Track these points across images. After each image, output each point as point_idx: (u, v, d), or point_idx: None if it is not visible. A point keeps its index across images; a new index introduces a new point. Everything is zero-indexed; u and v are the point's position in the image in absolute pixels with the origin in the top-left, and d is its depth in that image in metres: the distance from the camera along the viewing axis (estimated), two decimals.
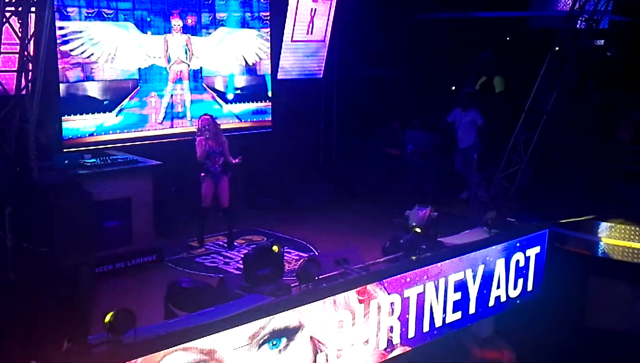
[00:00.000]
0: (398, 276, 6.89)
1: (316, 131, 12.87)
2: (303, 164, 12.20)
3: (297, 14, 11.69)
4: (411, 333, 7.09)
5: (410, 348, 7.09)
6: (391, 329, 6.87)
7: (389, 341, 6.88)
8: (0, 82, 5.58)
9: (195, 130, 9.56)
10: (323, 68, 12.48)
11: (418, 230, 7.49)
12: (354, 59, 12.89)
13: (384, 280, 6.75)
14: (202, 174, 9.37)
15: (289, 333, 6.01)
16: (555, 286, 8.57)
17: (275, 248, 6.60)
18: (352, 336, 6.51)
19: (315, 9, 11.89)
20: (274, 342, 5.90)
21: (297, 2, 11.59)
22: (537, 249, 8.47)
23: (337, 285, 6.52)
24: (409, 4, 13.04)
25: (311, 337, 6.18)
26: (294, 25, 11.73)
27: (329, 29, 12.19)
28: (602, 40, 12.73)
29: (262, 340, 5.81)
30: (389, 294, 6.78)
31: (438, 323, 7.37)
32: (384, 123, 12.54)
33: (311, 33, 12.04)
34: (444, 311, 7.43)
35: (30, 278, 5.00)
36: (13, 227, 5.02)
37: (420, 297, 7.13)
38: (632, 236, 8.93)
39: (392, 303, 6.83)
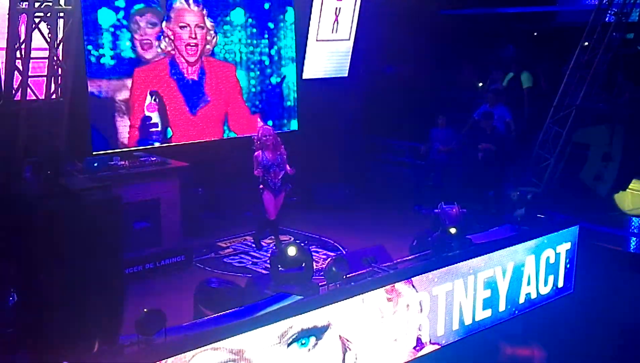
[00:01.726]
0: (426, 274, 6.87)
1: (342, 129, 12.86)
2: (329, 162, 12.21)
3: (322, 13, 11.69)
4: (440, 332, 7.06)
5: (439, 346, 7.06)
6: (420, 327, 6.85)
7: (418, 339, 6.86)
8: (31, 87, 5.65)
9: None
10: (349, 67, 12.46)
11: (453, 230, 7.43)
12: (379, 56, 12.87)
13: (412, 278, 6.73)
14: (261, 186, 9.04)
15: (318, 332, 6.02)
16: (587, 283, 8.46)
17: (291, 250, 6.50)
18: (381, 334, 6.50)
19: (340, 8, 11.88)
20: (303, 341, 5.91)
21: (322, 1, 11.59)
22: (567, 245, 8.37)
23: (365, 284, 6.51)
24: (433, 0, 12.97)
25: (340, 336, 6.18)
26: (318, 25, 11.74)
27: (354, 27, 12.17)
28: (632, 34, 12.53)
29: (290, 339, 5.82)
30: (417, 292, 6.76)
31: (467, 321, 7.33)
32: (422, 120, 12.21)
33: (336, 32, 12.03)
34: (474, 309, 7.38)
35: (61, 280, 5.06)
36: (44, 230, 5.08)
37: (449, 295, 7.09)
38: None
39: (420, 302, 6.81)
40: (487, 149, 10.38)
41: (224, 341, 5.42)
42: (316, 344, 6.01)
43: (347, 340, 6.22)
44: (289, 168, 9.07)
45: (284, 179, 9.06)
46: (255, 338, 5.59)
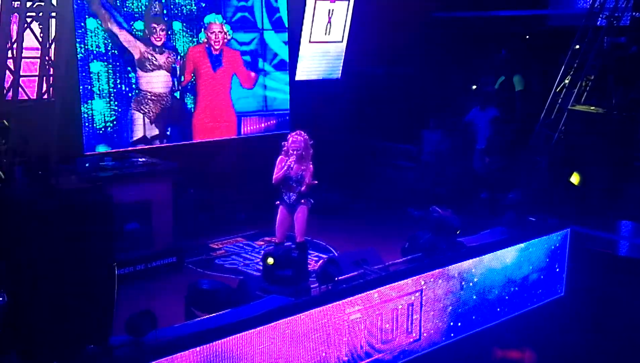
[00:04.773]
0: (418, 276, 6.87)
1: (334, 131, 12.84)
2: (321, 165, 12.16)
3: (315, 15, 11.70)
4: (431, 334, 7.07)
5: (430, 350, 7.06)
6: (411, 329, 6.85)
7: (409, 341, 6.86)
8: (23, 87, 5.63)
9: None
10: (341, 68, 12.47)
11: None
12: (372, 58, 12.86)
13: (404, 280, 6.74)
14: (277, 202, 8.21)
15: None
16: (577, 286, 8.49)
17: (269, 260, 6.52)
18: (372, 335, 6.51)
19: (333, 10, 11.89)
20: None
21: (315, 3, 11.59)
22: (558, 248, 8.40)
23: (356, 286, 6.51)
24: (426, 3, 12.99)
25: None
26: (311, 27, 11.75)
27: (347, 29, 12.18)
28: (624, 38, 12.59)
29: None
30: (409, 294, 6.76)
31: (459, 323, 7.34)
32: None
33: (329, 34, 12.04)
34: (465, 312, 7.40)
35: (52, 281, 5.05)
36: (34, 230, 5.06)
37: (440, 298, 7.10)
38: None
39: (412, 304, 6.81)
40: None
41: (216, 343, 5.40)
42: None
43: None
44: (307, 182, 8.13)
45: (299, 194, 8.13)
46: (247, 340, 5.58)
